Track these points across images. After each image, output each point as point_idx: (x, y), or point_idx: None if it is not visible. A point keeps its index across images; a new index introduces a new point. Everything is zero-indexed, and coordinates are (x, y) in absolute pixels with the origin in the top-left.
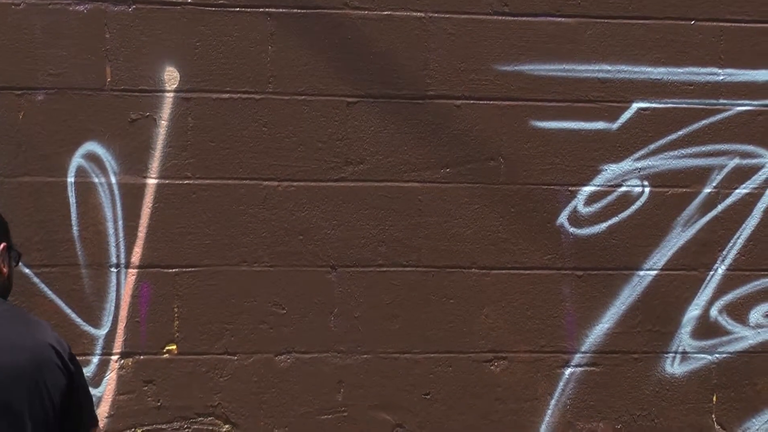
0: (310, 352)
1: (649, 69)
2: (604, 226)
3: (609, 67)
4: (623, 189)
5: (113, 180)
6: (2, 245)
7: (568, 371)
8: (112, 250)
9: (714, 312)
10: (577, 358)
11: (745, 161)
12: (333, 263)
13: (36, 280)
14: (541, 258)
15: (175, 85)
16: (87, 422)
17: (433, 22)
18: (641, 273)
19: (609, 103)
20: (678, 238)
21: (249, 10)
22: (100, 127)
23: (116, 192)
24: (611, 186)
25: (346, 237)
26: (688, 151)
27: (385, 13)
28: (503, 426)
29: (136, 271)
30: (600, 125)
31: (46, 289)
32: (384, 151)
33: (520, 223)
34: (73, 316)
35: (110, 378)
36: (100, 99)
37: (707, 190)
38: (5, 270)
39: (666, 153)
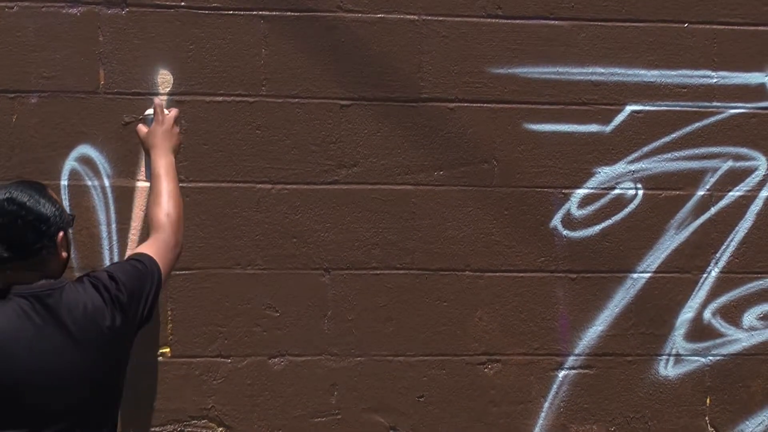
0: (304, 355)
1: (642, 72)
2: (597, 228)
3: (602, 70)
4: (617, 192)
5: (106, 183)
6: (60, 235)
7: (561, 374)
8: (106, 253)
9: (707, 314)
10: (571, 360)
11: (738, 164)
12: (326, 266)
13: None
14: (535, 261)
15: (169, 88)
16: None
17: (426, 25)
18: (635, 275)
19: (602, 106)
20: (671, 241)
21: (242, 12)
22: (93, 130)
23: (109, 195)
24: (605, 189)
25: (339, 240)
26: (682, 153)
27: (379, 15)
28: (497, 429)
29: None
30: (593, 128)
31: None
32: (377, 153)
33: (514, 226)
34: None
35: None
36: (94, 102)
37: (701, 192)
38: (64, 255)
39: (659, 156)
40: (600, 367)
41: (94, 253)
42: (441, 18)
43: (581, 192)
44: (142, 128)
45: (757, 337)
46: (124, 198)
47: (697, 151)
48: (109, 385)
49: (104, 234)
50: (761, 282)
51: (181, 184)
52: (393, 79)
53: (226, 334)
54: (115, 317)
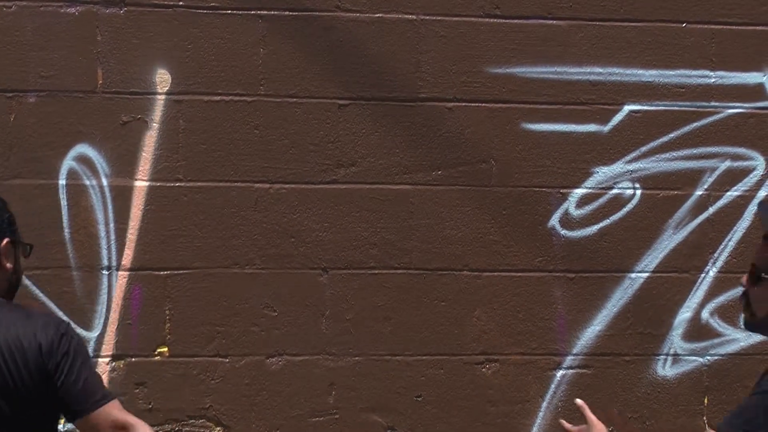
0: (302, 355)
1: (640, 71)
2: (595, 228)
3: (600, 70)
4: (615, 191)
5: (104, 182)
6: (5, 241)
7: (559, 373)
8: (104, 253)
9: (705, 314)
10: (569, 360)
11: (736, 164)
12: (324, 265)
13: (27, 282)
14: (533, 260)
15: (167, 88)
16: (89, 405)
17: (424, 25)
18: (633, 275)
19: (600, 106)
20: (669, 241)
21: (241, 12)
22: (91, 130)
23: (107, 194)
24: (603, 188)
25: (337, 239)
26: (680, 153)
27: (377, 15)
28: (494, 428)
29: (127, 273)
30: (591, 128)
31: (37, 291)
32: (376, 153)
33: (512, 226)
34: (65, 318)
35: None
36: (92, 101)
37: (699, 192)
38: (9, 266)
39: (657, 155)
40: (598, 367)
41: (92, 252)
42: (439, 18)
43: (579, 192)
44: None
45: (755, 337)
46: (122, 197)
47: (695, 151)
48: (38, 402)
49: (102, 233)
50: None
51: (179, 184)
52: (391, 78)
53: (224, 333)
54: (41, 350)
